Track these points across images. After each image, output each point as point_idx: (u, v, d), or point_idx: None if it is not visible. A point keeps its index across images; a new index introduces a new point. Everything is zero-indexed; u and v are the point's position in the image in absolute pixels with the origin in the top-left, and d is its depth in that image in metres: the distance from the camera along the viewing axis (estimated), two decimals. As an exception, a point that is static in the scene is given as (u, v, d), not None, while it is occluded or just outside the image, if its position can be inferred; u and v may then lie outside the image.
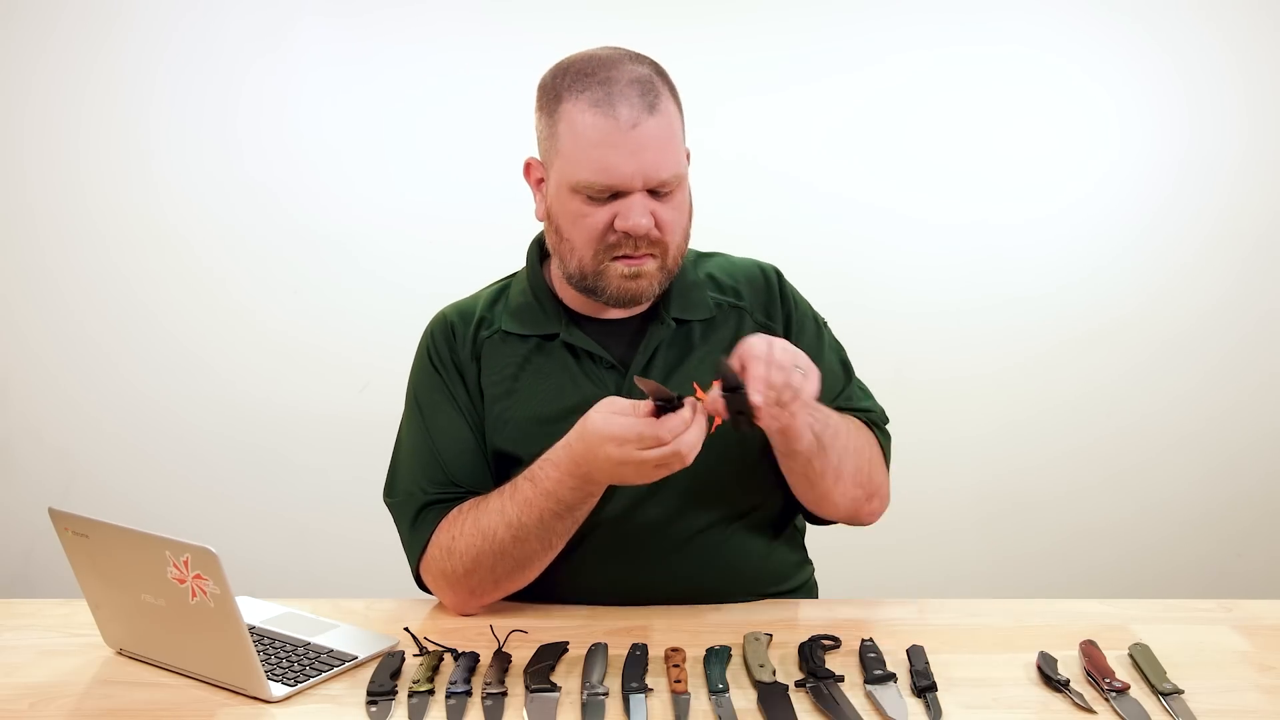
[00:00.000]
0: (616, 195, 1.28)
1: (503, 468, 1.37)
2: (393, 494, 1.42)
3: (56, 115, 2.65)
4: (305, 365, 2.69)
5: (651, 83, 1.28)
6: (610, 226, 1.29)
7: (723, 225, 2.57)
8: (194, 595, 1.11)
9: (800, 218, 2.64)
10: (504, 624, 1.31)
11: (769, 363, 1.16)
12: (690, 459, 1.17)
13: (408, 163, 2.63)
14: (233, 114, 2.65)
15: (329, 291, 2.68)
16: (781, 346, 1.18)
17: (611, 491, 1.33)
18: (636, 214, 1.27)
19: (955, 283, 2.67)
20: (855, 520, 1.42)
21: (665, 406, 1.16)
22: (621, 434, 1.17)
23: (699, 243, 1.53)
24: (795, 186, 2.64)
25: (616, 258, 1.31)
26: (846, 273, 2.63)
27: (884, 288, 2.66)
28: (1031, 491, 2.72)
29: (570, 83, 1.29)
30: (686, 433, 1.15)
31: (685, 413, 1.15)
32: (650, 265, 1.32)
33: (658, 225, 1.29)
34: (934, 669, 1.15)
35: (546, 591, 1.39)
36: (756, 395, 1.15)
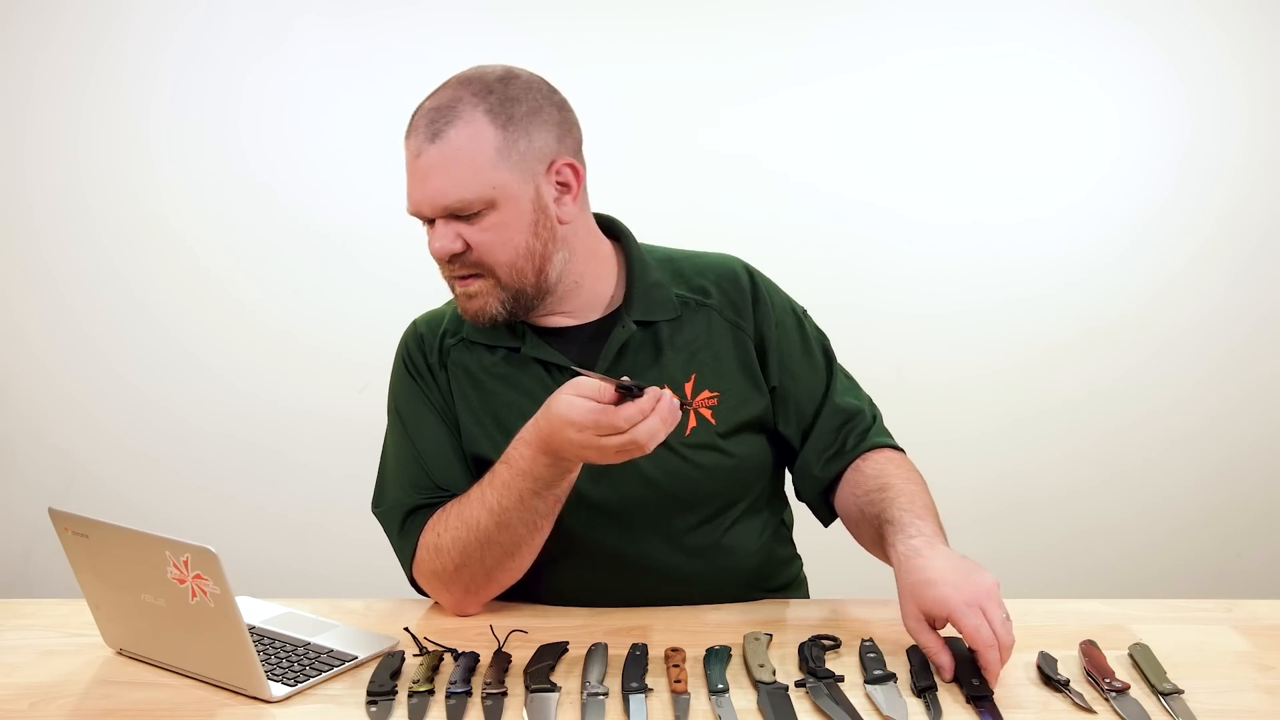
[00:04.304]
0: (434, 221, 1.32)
1: (483, 472, 1.37)
2: (380, 503, 1.42)
3: (56, 115, 2.65)
4: (305, 365, 2.69)
5: (450, 109, 1.29)
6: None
7: (724, 225, 2.60)
8: (194, 595, 1.11)
9: (801, 218, 2.64)
10: (504, 624, 1.31)
11: (1001, 645, 1.12)
12: (649, 446, 1.15)
13: (408, 163, 2.63)
14: (233, 114, 2.66)
15: (329, 291, 2.68)
16: (999, 617, 1.13)
17: (603, 491, 1.33)
18: (433, 239, 1.32)
19: (955, 283, 2.67)
20: None
21: (628, 394, 1.15)
22: (580, 420, 1.16)
23: (695, 241, 1.53)
24: (795, 187, 2.64)
25: (454, 279, 1.34)
26: (846, 273, 2.64)
27: (884, 288, 2.66)
28: (1031, 491, 2.72)
29: None
30: (644, 421, 1.14)
31: (643, 402, 1.14)
32: (479, 285, 1.33)
33: (471, 247, 1.30)
34: (934, 669, 1.15)
35: (541, 594, 1.39)
36: (994, 681, 1.12)
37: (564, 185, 1.34)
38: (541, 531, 1.31)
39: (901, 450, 1.45)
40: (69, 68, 2.64)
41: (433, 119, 1.29)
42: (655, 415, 1.14)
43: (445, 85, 1.34)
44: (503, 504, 1.27)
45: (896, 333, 2.66)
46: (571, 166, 1.34)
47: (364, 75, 2.63)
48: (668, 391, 1.15)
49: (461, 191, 1.28)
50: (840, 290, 2.59)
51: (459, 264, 1.32)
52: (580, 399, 1.17)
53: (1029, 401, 2.70)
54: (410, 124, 1.32)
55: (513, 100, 1.30)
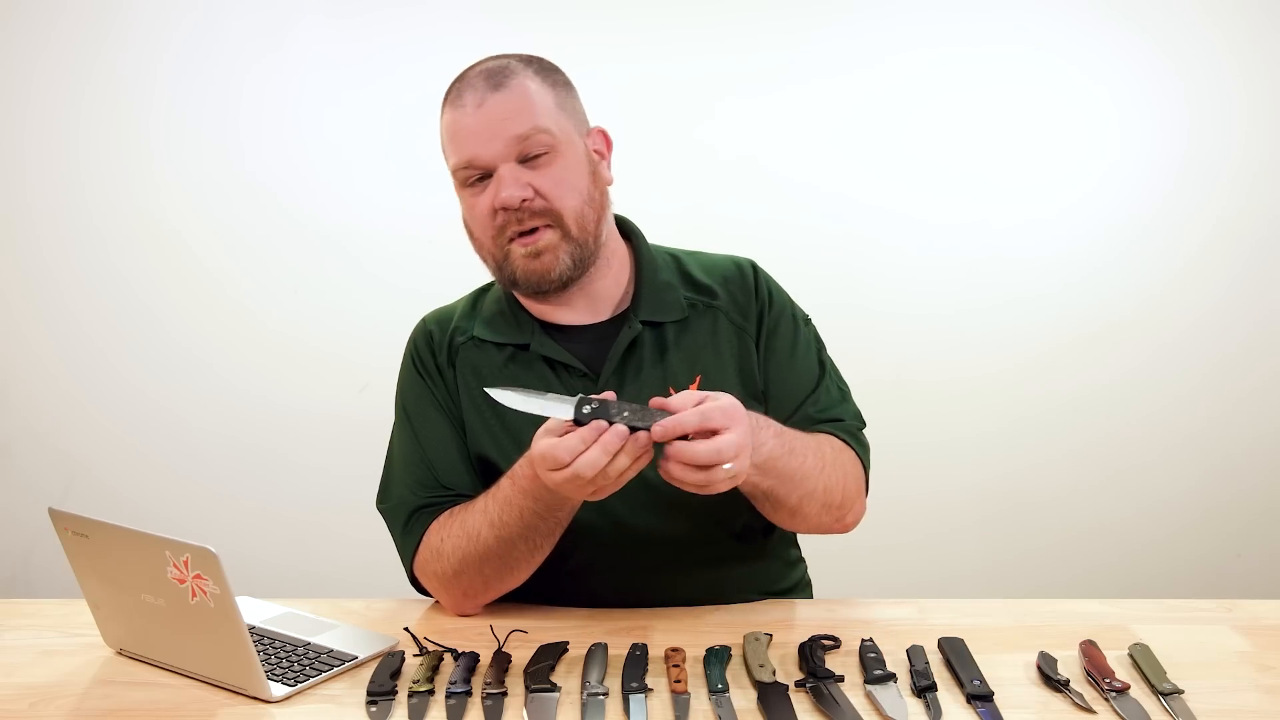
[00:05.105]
0: (490, 176, 1.30)
1: (487, 473, 1.37)
2: (385, 500, 1.42)
3: (56, 115, 2.65)
4: (305, 365, 2.69)
5: (503, 69, 1.31)
6: (494, 207, 1.30)
7: (723, 225, 2.60)
8: (194, 595, 1.11)
9: (801, 218, 2.64)
10: (504, 624, 1.31)
11: (690, 453, 1.11)
12: (596, 479, 1.12)
13: (408, 163, 2.63)
14: (233, 114, 2.66)
15: (329, 291, 2.68)
16: (715, 444, 1.11)
17: (606, 500, 1.33)
18: (505, 186, 1.28)
19: (955, 283, 2.67)
20: (826, 533, 1.40)
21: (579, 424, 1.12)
22: (534, 453, 1.15)
23: (695, 242, 1.53)
24: (795, 187, 2.64)
25: (513, 239, 1.31)
26: (846, 273, 2.64)
27: (884, 288, 2.66)
28: (1031, 491, 2.72)
29: (443, 99, 1.35)
30: (585, 453, 1.10)
31: (584, 431, 1.11)
32: (549, 237, 1.31)
33: (540, 194, 1.29)
34: (934, 669, 1.15)
35: (543, 594, 1.38)
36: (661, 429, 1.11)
37: (598, 152, 1.38)
38: (541, 550, 1.30)
39: (857, 437, 1.42)
40: (69, 68, 2.64)
41: (490, 75, 1.31)
42: (598, 447, 1.11)
43: (480, 61, 1.35)
44: (504, 519, 1.27)
45: (896, 333, 2.66)
46: (603, 134, 1.39)
47: (364, 75, 2.63)
48: (618, 428, 1.11)
49: (531, 120, 1.29)
50: (840, 290, 2.59)
51: (527, 214, 1.30)
52: (546, 430, 1.15)
53: (1029, 401, 2.70)
54: (458, 88, 1.32)
55: (550, 70, 1.36)
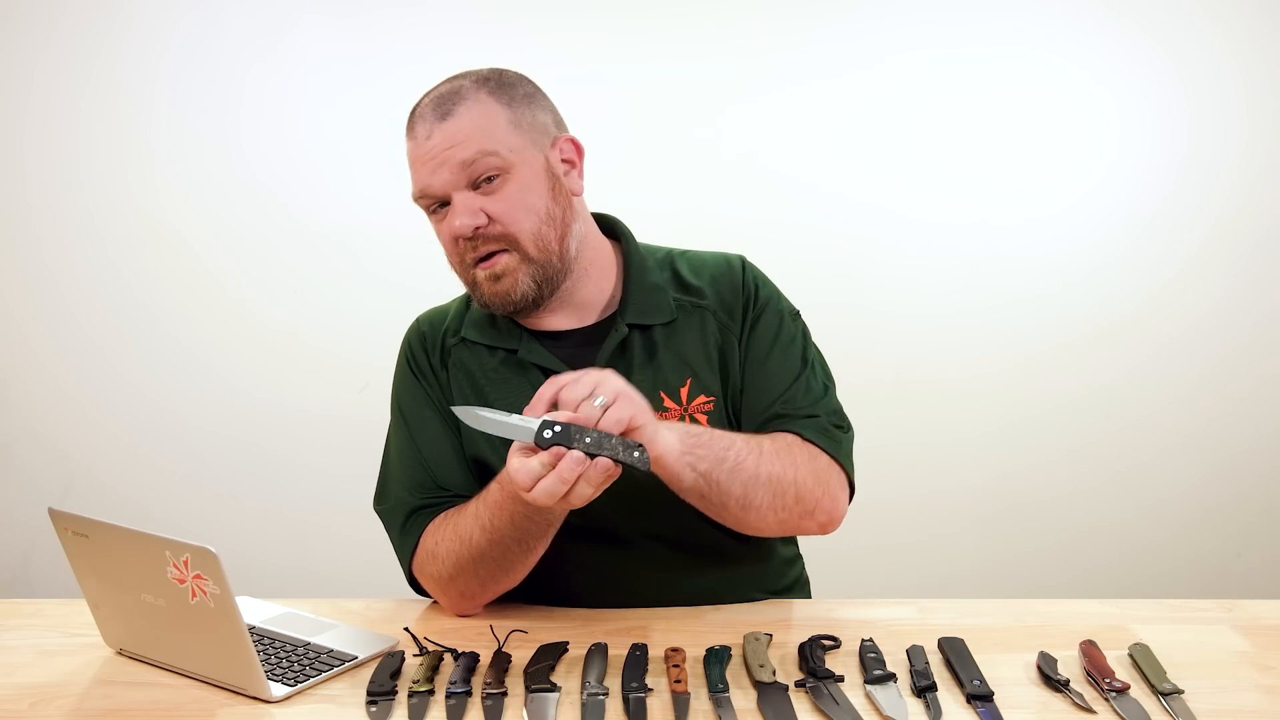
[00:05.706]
0: (449, 204, 1.30)
1: (482, 474, 1.37)
2: (383, 501, 1.42)
3: (56, 115, 2.65)
4: (305, 365, 2.69)
5: (453, 94, 1.31)
6: (451, 236, 1.31)
7: (723, 225, 2.60)
8: (194, 595, 1.11)
9: (801, 218, 2.64)
10: (504, 624, 1.31)
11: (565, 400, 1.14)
12: (558, 505, 1.13)
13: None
14: (233, 114, 2.66)
15: (329, 291, 2.68)
16: (585, 383, 1.14)
17: (604, 492, 1.32)
18: (456, 215, 1.29)
19: (955, 283, 2.67)
20: (802, 533, 1.38)
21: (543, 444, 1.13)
22: (507, 468, 1.15)
23: (695, 241, 1.53)
24: (796, 187, 2.64)
25: (477, 264, 1.32)
26: (847, 273, 2.64)
27: (884, 288, 2.66)
28: (1031, 491, 2.72)
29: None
30: (543, 479, 1.11)
31: (544, 457, 1.11)
32: (507, 261, 1.31)
33: (494, 219, 1.29)
34: (934, 669, 1.15)
35: (542, 594, 1.39)
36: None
37: (568, 161, 1.36)
38: (534, 551, 1.30)
39: (830, 434, 1.36)
40: (69, 68, 2.64)
41: (439, 104, 1.31)
42: (553, 475, 1.11)
43: (436, 85, 1.36)
44: (495, 523, 1.27)
45: (896, 333, 2.66)
46: (573, 142, 1.37)
47: (364, 75, 2.63)
48: (575, 455, 1.11)
49: (481, 144, 1.29)
50: (840, 290, 2.59)
51: (481, 240, 1.30)
52: (517, 448, 1.15)
53: (1029, 401, 2.70)
54: (412, 118, 1.34)
55: (509, 85, 1.34)
